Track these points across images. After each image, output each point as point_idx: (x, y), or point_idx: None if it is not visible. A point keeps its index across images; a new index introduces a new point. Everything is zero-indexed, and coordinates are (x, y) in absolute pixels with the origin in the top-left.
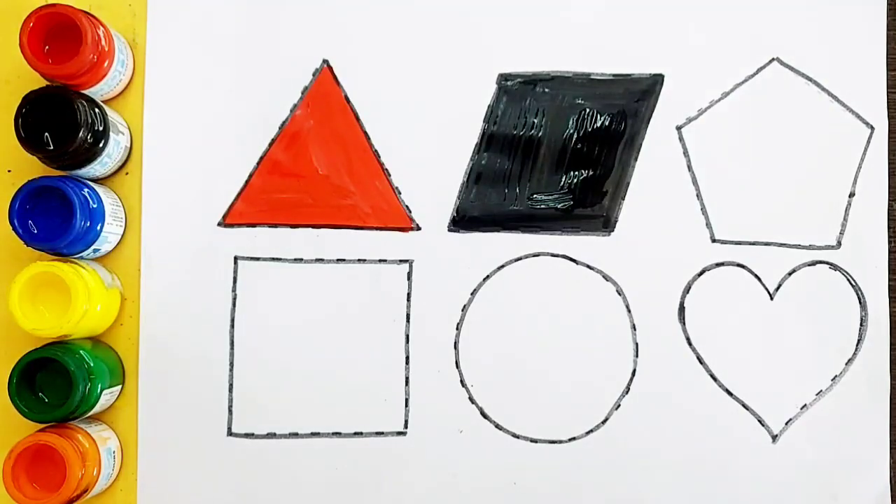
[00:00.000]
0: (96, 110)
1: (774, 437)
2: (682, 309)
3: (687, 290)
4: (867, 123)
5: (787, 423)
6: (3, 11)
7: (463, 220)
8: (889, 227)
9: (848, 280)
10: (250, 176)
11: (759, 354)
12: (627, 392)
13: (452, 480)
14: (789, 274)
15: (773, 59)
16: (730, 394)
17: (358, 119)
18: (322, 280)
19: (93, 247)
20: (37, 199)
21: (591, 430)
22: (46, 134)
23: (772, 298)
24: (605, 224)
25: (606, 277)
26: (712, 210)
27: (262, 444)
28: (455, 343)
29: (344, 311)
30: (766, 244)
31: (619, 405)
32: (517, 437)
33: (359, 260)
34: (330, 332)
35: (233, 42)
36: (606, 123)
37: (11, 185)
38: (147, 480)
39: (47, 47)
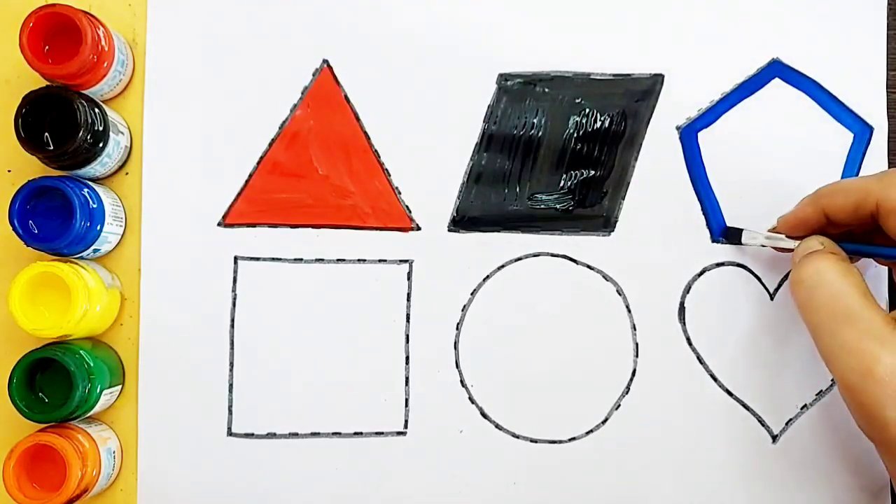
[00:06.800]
0: (96, 110)
1: (774, 438)
2: (682, 309)
3: (687, 290)
4: (867, 124)
5: (787, 423)
6: (3, 11)
7: (463, 220)
8: None
9: None
10: (250, 176)
11: (759, 354)
12: (627, 392)
13: (452, 480)
14: (789, 274)
15: (773, 59)
16: (730, 394)
17: (358, 119)
18: (322, 280)
19: (93, 247)
20: (37, 199)
21: (591, 430)
22: (46, 134)
23: (772, 298)
24: (605, 224)
25: (606, 277)
26: (712, 210)
27: (262, 444)
28: (455, 343)
29: (344, 311)
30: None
31: (619, 405)
32: (517, 437)
33: (359, 260)
34: (330, 332)
35: (233, 42)
36: (606, 123)
37: (11, 185)
38: (147, 480)
39: (47, 47)
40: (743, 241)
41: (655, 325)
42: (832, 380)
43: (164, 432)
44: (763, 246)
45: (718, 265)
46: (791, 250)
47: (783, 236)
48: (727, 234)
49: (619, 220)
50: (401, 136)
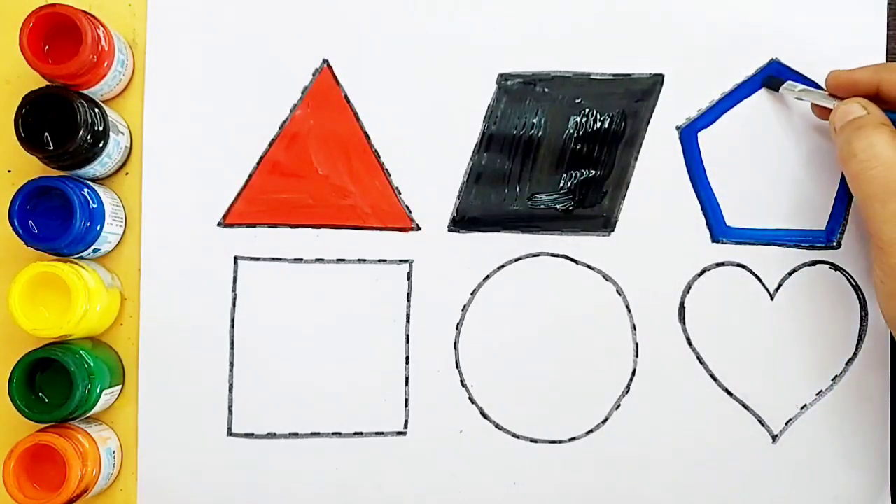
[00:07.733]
0: (96, 110)
1: (774, 437)
2: (682, 309)
3: (687, 290)
4: None
5: (787, 423)
6: (3, 11)
7: (463, 220)
8: None
9: (848, 280)
10: (250, 176)
11: (759, 354)
12: (627, 392)
13: (452, 480)
14: (789, 274)
15: (773, 60)
16: (730, 394)
17: (358, 119)
18: (322, 280)
19: (93, 247)
20: (37, 199)
21: (591, 430)
22: (46, 134)
23: (772, 298)
24: (605, 224)
25: (606, 277)
26: (712, 210)
27: (262, 444)
28: (455, 343)
29: (344, 311)
30: (767, 244)
31: (619, 405)
32: (517, 437)
33: (359, 260)
34: (330, 331)
35: (233, 42)
36: (606, 123)
37: (11, 185)
38: (147, 480)
39: (47, 47)
40: (782, 90)
41: (655, 325)
42: (832, 379)
43: (164, 432)
44: (800, 99)
45: (718, 265)
46: (829, 110)
47: (825, 93)
48: (768, 83)
49: (619, 220)
50: (401, 136)
